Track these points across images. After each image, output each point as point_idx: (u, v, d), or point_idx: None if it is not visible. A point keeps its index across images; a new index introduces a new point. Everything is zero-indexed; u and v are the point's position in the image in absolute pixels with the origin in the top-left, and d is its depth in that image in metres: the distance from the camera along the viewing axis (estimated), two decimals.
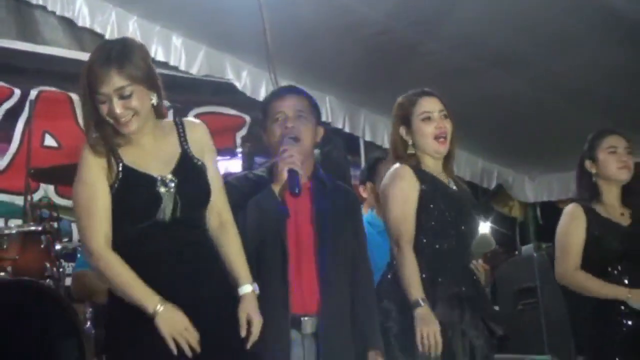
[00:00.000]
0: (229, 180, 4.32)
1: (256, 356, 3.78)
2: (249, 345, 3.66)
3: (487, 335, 4.39)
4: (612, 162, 4.84)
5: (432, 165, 4.44)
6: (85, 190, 3.58)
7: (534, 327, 7.18)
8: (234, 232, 3.79)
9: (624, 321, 4.70)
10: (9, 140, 6.92)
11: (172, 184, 3.57)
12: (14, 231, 5.46)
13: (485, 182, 9.34)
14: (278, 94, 4.54)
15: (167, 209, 3.53)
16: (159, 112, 3.52)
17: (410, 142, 4.43)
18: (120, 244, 3.55)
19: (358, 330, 4.27)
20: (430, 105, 4.40)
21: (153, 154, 3.61)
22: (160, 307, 3.36)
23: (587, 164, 4.89)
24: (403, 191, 4.37)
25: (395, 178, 4.40)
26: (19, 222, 5.99)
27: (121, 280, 3.46)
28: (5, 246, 5.28)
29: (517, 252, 8.74)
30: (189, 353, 3.43)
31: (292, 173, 4.04)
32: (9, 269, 5.18)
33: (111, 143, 3.55)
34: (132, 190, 3.57)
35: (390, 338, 4.34)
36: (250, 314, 3.64)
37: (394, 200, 4.38)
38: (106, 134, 3.45)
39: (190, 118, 3.78)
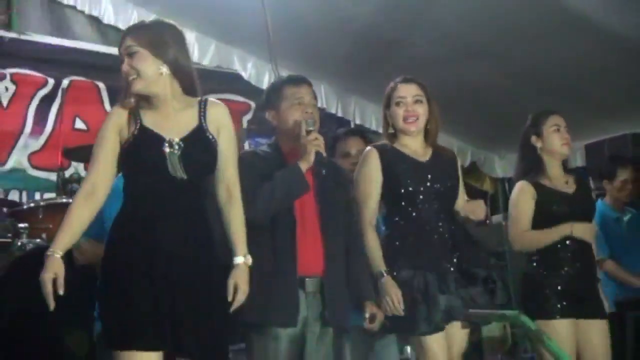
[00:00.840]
0: (240, 156, 4.20)
1: (230, 321, 3.81)
2: (231, 310, 3.68)
3: (463, 288, 4.37)
4: (556, 139, 4.85)
5: (409, 142, 4.50)
6: (97, 140, 3.61)
7: (501, 291, 7.10)
8: (240, 207, 3.77)
9: (566, 264, 4.69)
10: (44, 124, 7.05)
11: (177, 147, 3.57)
12: (48, 203, 5.65)
13: (461, 160, 9.19)
14: (295, 80, 4.53)
15: (175, 168, 3.54)
16: (186, 88, 3.53)
17: (390, 123, 4.53)
18: (132, 195, 3.61)
19: (354, 286, 4.33)
20: (405, 91, 4.46)
21: (171, 121, 3.62)
22: (55, 253, 3.38)
23: (533, 139, 4.87)
24: (365, 175, 4.46)
25: (361, 163, 4.52)
26: (53, 195, 6.18)
27: (65, 218, 3.50)
28: (40, 216, 5.46)
29: (487, 221, 8.19)
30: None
31: (319, 155, 4.14)
32: (44, 235, 5.33)
33: (135, 105, 3.61)
34: (141, 146, 3.59)
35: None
36: (238, 282, 3.66)
37: (358, 184, 4.49)
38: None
39: (213, 99, 3.74)
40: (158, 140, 3.57)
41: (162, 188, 3.60)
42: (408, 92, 4.44)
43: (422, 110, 4.42)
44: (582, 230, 4.70)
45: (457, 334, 4.42)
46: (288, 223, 4.11)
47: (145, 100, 3.65)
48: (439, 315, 4.24)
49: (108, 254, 3.64)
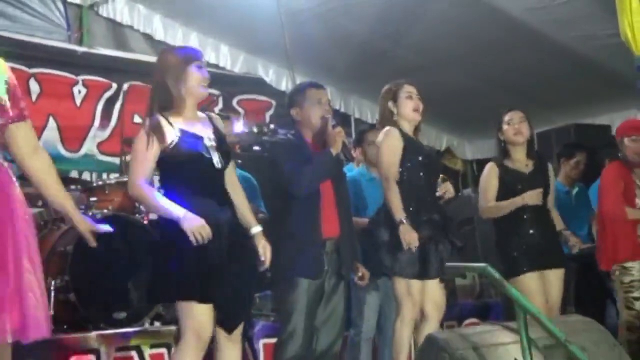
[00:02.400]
0: (279, 142, 4.53)
1: (258, 272, 3.85)
2: (266, 266, 3.78)
3: (449, 246, 4.54)
4: (510, 131, 4.89)
5: (408, 128, 4.61)
6: (142, 142, 3.57)
7: (471, 249, 6.87)
8: (241, 189, 3.85)
9: (526, 228, 4.77)
10: (109, 119, 7.12)
11: (213, 142, 3.64)
12: (113, 181, 5.74)
13: (438, 145, 9.15)
14: (316, 84, 4.59)
15: (216, 158, 3.60)
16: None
17: (395, 112, 4.61)
18: (178, 183, 3.60)
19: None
20: (412, 90, 4.60)
21: (195, 125, 3.64)
22: (184, 214, 3.40)
23: (499, 134, 4.95)
24: (391, 145, 4.51)
25: (387, 135, 4.54)
26: (117, 175, 6.16)
27: (151, 202, 3.53)
28: (106, 192, 5.57)
29: (459, 194, 7.96)
30: (203, 240, 3.42)
31: (345, 144, 4.29)
32: (110, 207, 5.47)
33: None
34: (186, 143, 3.57)
35: (382, 253, 4.49)
36: (265, 244, 3.76)
37: (385, 151, 4.53)
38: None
39: (213, 114, 3.92)
40: (198, 137, 3.64)
41: (202, 176, 3.65)
42: (414, 90, 4.60)
43: (421, 106, 4.61)
44: (530, 198, 4.74)
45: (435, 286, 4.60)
46: (315, 196, 4.21)
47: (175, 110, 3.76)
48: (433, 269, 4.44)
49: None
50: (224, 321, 3.68)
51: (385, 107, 4.68)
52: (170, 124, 3.56)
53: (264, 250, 3.76)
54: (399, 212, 4.40)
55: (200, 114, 3.76)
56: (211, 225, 3.45)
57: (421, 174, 4.57)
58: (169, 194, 3.60)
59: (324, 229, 4.20)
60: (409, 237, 4.33)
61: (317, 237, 4.20)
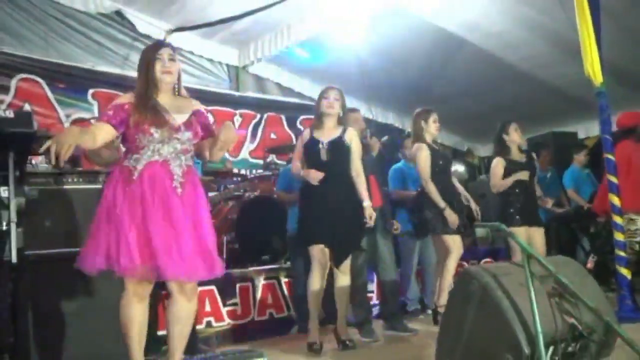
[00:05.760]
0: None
1: (360, 231, 3.82)
2: (369, 224, 3.71)
3: (466, 222, 4.46)
4: (516, 136, 4.74)
5: (430, 140, 4.50)
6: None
7: (485, 213, 5.53)
8: (362, 177, 3.74)
9: (519, 197, 4.62)
10: (255, 136, 7.16)
11: (327, 146, 3.75)
12: (259, 175, 6.00)
13: (460, 147, 8.94)
14: (353, 109, 4.49)
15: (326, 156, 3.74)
16: None
17: (424, 128, 4.50)
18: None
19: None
20: (436, 116, 4.52)
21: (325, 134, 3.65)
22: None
23: (504, 136, 4.72)
24: (423, 156, 4.40)
25: (420, 149, 4.42)
26: (260, 171, 6.37)
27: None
28: (256, 182, 5.75)
29: (476, 180, 8.15)
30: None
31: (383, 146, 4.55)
32: (257, 191, 5.57)
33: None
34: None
35: (431, 220, 4.39)
36: (371, 214, 3.71)
37: (420, 159, 4.42)
38: None
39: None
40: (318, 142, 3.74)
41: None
42: (436, 117, 4.52)
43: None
44: (522, 175, 4.62)
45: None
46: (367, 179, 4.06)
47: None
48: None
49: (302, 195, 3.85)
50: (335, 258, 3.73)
51: (418, 124, 4.53)
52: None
53: (369, 216, 3.74)
54: (440, 201, 4.33)
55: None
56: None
57: (442, 172, 4.46)
58: None
59: (373, 202, 4.02)
60: (453, 219, 4.32)
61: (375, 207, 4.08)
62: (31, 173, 3.05)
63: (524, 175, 4.65)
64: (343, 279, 3.85)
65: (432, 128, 4.53)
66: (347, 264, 3.84)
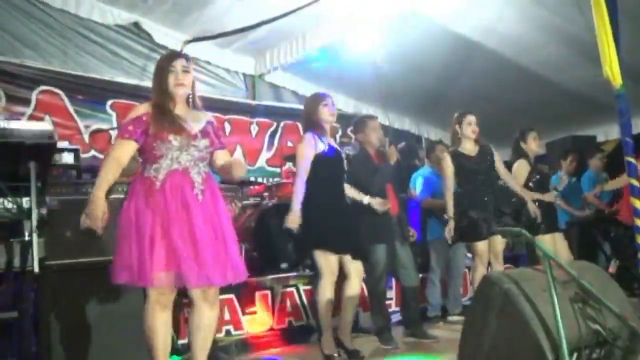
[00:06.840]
0: (357, 155, 4.17)
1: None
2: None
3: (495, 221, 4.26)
4: (534, 144, 4.77)
5: (468, 144, 4.40)
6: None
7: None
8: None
9: (542, 204, 4.58)
10: (272, 144, 7.23)
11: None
12: (276, 183, 5.96)
13: None
14: (373, 116, 4.49)
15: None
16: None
17: (459, 132, 4.43)
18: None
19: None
20: (473, 119, 4.44)
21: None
22: None
23: (522, 144, 4.78)
24: (447, 165, 4.34)
25: (444, 159, 4.37)
26: (278, 179, 6.43)
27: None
28: (273, 189, 5.71)
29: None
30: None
31: (397, 158, 4.20)
32: (275, 199, 5.51)
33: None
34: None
35: (462, 231, 4.26)
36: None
37: (444, 169, 4.38)
38: None
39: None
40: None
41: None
42: (474, 119, 4.44)
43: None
44: (548, 197, 4.65)
45: (497, 240, 4.34)
46: (382, 191, 4.11)
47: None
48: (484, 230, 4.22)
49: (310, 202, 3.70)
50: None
51: (453, 128, 4.49)
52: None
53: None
54: (450, 210, 4.28)
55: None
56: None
57: (472, 178, 4.35)
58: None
59: (391, 210, 4.07)
60: (452, 231, 4.23)
61: (390, 214, 4.14)
62: (52, 184, 3.08)
63: (549, 197, 4.68)
64: (354, 287, 3.76)
65: (469, 129, 4.43)
66: (361, 268, 3.81)
